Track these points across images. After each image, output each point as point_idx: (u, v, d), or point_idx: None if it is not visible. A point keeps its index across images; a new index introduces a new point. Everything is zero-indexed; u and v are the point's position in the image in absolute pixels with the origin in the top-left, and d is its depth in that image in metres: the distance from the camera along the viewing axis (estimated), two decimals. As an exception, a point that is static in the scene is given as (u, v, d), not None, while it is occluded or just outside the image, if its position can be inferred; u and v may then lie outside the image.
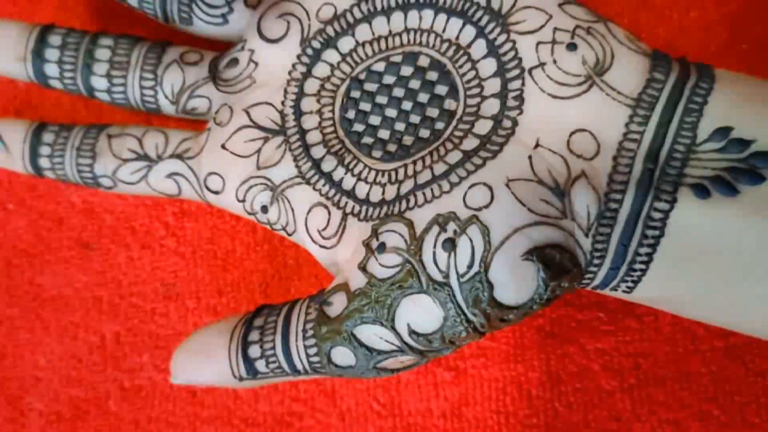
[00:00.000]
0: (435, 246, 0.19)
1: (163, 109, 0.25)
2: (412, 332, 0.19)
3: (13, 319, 0.29)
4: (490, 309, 0.18)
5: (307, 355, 0.20)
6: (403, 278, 0.19)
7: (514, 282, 0.18)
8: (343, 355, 0.20)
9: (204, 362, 0.22)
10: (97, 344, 0.29)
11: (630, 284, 0.19)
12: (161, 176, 0.24)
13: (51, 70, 0.25)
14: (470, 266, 0.18)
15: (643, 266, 0.19)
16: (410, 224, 0.19)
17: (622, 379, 0.26)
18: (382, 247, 0.20)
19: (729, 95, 0.19)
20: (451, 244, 0.19)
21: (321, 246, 0.21)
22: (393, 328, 0.19)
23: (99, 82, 0.25)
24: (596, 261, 0.19)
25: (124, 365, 0.28)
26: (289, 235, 0.22)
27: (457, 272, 0.19)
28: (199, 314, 0.28)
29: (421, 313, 0.19)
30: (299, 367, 0.21)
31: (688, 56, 0.20)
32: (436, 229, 0.19)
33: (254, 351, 0.21)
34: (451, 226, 0.19)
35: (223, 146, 0.23)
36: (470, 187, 0.19)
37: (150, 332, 0.28)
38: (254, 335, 0.21)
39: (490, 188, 0.19)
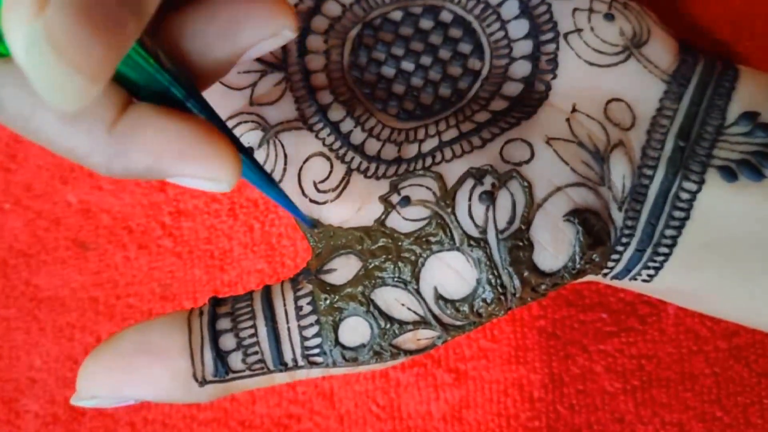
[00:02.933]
0: (470, 199, 0.18)
1: None
2: (440, 297, 0.18)
3: (9, 320, 0.29)
4: (527, 272, 0.17)
5: (303, 338, 0.18)
6: (432, 232, 0.17)
7: (554, 244, 0.18)
8: (353, 330, 0.18)
9: (146, 364, 0.17)
10: (93, 345, 0.28)
11: (651, 271, 0.19)
12: None
13: None
14: (511, 222, 0.17)
15: (667, 250, 0.19)
16: (439, 177, 0.18)
17: (625, 381, 0.25)
18: (405, 201, 0.18)
19: (754, 83, 0.19)
20: (489, 197, 0.17)
21: (312, 200, 0.19)
22: (417, 292, 0.18)
23: None
24: (624, 240, 0.19)
25: (121, 367, 0.28)
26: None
27: (496, 227, 0.17)
28: (196, 315, 0.28)
29: (451, 274, 0.17)
30: (288, 357, 0.18)
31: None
32: (471, 181, 0.18)
33: (227, 341, 0.18)
34: (489, 180, 0.18)
35: None
36: (507, 143, 0.18)
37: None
38: (225, 323, 0.18)
39: (530, 144, 0.18)
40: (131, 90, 0.15)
